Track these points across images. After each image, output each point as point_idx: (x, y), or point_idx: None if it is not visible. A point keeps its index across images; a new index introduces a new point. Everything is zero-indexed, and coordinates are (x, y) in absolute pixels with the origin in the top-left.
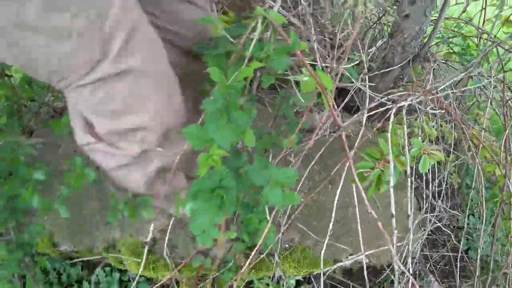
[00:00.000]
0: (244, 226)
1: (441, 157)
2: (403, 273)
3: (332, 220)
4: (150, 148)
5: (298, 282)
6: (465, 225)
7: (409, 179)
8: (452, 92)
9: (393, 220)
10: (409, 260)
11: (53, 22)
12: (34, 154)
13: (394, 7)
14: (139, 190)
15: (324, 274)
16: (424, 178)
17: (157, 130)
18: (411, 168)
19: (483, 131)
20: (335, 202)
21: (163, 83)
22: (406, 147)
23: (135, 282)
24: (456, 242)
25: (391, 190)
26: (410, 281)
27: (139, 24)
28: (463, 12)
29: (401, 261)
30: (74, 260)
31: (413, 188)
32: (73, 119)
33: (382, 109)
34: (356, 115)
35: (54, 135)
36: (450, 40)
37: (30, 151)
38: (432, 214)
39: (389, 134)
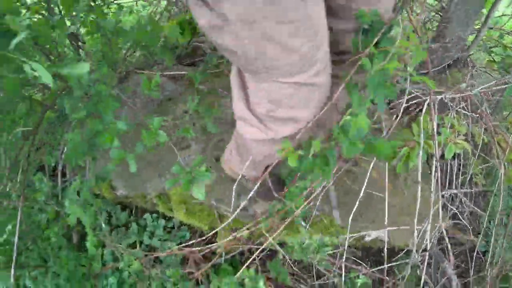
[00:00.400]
0: (289, 195)
1: (466, 146)
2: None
3: (362, 192)
4: (292, 135)
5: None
6: (484, 226)
7: (434, 159)
8: (484, 95)
9: (419, 187)
10: (428, 235)
11: (291, 42)
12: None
13: (440, 13)
14: (262, 157)
15: (349, 239)
16: (449, 174)
17: (306, 122)
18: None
19: (511, 136)
20: (368, 175)
21: (326, 92)
22: (436, 131)
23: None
24: (474, 237)
25: (420, 160)
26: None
27: (329, 61)
28: (495, 24)
29: (420, 244)
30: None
31: (438, 167)
32: (237, 95)
33: (415, 101)
34: (392, 103)
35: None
36: (491, 49)
37: (118, 104)
38: (452, 198)
39: (421, 118)
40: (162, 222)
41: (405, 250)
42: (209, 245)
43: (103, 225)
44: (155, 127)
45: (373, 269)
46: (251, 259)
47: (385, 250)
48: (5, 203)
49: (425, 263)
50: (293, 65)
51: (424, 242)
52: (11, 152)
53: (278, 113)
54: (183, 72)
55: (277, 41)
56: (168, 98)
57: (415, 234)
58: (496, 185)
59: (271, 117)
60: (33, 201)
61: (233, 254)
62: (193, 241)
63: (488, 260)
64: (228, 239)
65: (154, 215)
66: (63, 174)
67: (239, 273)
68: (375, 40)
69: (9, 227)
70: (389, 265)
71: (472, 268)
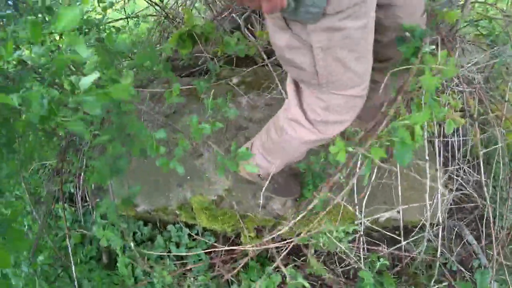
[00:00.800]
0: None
1: (462, 122)
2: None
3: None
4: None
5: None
6: (489, 193)
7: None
8: (478, 71)
9: (427, 164)
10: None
11: (354, 65)
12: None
13: None
14: (299, 155)
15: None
16: (450, 148)
17: (350, 122)
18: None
19: (506, 103)
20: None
21: (365, 99)
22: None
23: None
24: (481, 205)
25: (425, 140)
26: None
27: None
28: None
29: (432, 217)
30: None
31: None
32: (293, 101)
33: None
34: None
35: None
36: (476, 23)
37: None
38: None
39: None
40: (186, 230)
41: (419, 226)
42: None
43: (132, 245)
44: (195, 123)
45: (391, 249)
46: (283, 253)
47: (401, 226)
48: (30, 235)
49: (440, 235)
50: (350, 81)
51: (436, 215)
52: (30, 185)
53: (330, 118)
54: (188, 87)
55: (344, 63)
56: (173, 111)
57: (428, 207)
58: (497, 154)
59: (323, 122)
60: (57, 229)
61: (259, 250)
62: (218, 244)
63: (491, 221)
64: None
65: (177, 225)
66: (83, 199)
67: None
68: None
69: (41, 257)
70: (406, 242)
71: (484, 234)
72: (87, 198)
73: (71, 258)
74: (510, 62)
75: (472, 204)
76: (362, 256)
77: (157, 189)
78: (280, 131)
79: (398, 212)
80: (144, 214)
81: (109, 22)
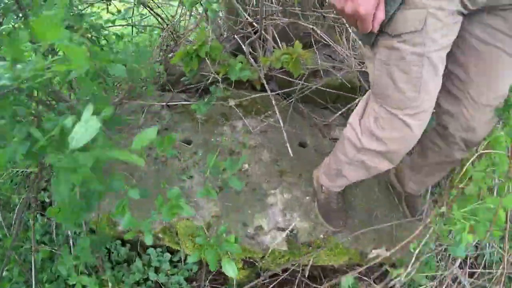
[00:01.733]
0: None
1: None
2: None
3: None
4: (376, 151)
5: None
6: None
7: None
8: None
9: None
10: None
11: (401, 85)
12: None
13: None
14: (353, 169)
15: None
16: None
17: (389, 149)
18: None
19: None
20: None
21: (414, 136)
22: None
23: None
24: None
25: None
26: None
27: (424, 112)
28: None
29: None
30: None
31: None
32: (359, 107)
33: None
34: None
35: None
36: None
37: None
38: None
39: None
40: (168, 255)
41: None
42: None
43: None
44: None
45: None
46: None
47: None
48: None
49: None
50: (399, 101)
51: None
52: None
53: (375, 132)
54: (188, 103)
55: (395, 81)
56: (165, 128)
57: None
58: None
59: (369, 132)
60: (25, 240)
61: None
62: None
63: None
64: None
65: (158, 249)
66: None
67: None
68: None
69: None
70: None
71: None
72: None
73: (35, 275)
74: None
75: None
76: None
77: (139, 209)
78: (344, 129)
79: (387, 250)
80: (123, 233)
81: (111, 27)
